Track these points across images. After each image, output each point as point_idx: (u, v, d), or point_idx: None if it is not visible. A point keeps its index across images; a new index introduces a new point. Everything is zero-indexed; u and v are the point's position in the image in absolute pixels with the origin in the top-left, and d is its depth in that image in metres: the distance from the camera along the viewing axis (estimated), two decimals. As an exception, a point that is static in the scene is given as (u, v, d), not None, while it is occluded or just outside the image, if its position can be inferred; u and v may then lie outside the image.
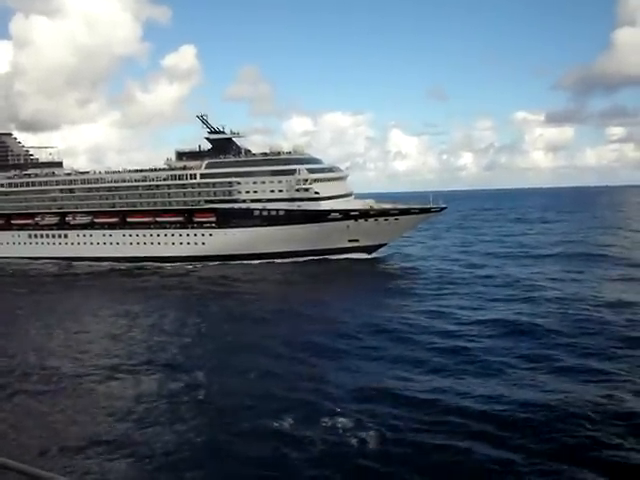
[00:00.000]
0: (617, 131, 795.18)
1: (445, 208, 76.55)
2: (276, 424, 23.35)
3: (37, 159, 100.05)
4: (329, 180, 77.65)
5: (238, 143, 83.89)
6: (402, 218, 74.52)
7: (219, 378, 30.68)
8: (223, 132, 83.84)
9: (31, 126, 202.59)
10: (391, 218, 74.40)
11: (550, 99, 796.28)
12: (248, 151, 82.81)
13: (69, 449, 22.46)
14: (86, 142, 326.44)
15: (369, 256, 76.17)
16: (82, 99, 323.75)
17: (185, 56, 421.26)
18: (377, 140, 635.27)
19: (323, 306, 48.48)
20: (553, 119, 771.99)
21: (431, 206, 75.15)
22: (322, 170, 78.33)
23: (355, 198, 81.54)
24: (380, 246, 77.77)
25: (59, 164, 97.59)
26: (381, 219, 74.38)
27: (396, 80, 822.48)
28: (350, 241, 75.49)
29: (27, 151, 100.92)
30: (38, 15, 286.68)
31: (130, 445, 22.60)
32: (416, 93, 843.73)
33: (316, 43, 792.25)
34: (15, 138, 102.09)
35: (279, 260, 75.13)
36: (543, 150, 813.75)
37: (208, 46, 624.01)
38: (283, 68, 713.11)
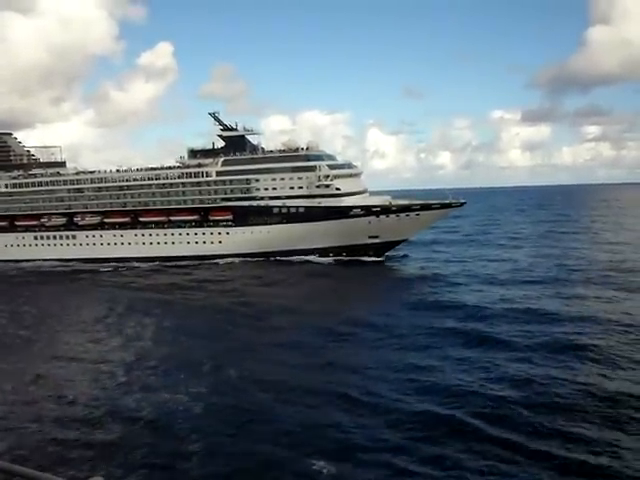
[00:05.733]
0: (592, 130, 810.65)
1: (465, 203, 76.47)
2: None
3: (38, 159, 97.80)
4: (349, 176, 77.26)
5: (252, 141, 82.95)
6: (423, 213, 74.18)
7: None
8: (236, 129, 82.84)
9: (5, 125, 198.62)
10: (412, 214, 74.03)
11: (525, 98, 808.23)
12: (262, 148, 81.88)
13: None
14: (61, 141, 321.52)
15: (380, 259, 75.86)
16: (56, 98, 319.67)
17: (161, 54, 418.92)
18: (355, 139, 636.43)
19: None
20: (529, 118, 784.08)
21: (451, 201, 74.99)
22: (341, 166, 77.91)
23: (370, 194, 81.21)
24: (399, 242, 77.44)
25: (62, 164, 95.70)
26: (402, 215, 73.97)
27: (372, 79, 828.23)
28: (370, 237, 75.01)
29: (28, 151, 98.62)
30: (11, 13, 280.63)
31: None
32: (392, 92, 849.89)
33: (292, 42, 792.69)
34: (15, 138, 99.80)
35: (296, 257, 74.95)
36: (520, 149, 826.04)
37: (184, 45, 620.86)
38: (259, 66, 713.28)
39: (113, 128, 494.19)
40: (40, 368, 33.56)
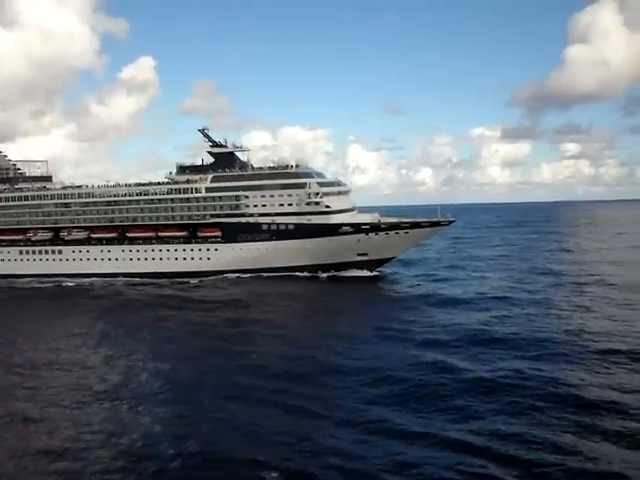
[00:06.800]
0: (571, 147, 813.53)
1: (454, 221, 77.29)
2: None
3: (24, 173, 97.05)
4: (338, 194, 77.65)
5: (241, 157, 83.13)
6: (412, 231, 74.77)
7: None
8: (225, 146, 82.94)
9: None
10: (402, 231, 74.56)
11: (505, 116, 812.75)
12: (252, 165, 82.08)
13: None
14: (41, 154, 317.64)
15: (372, 273, 75.84)
16: (36, 111, 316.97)
17: (143, 68, 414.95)
18: (336, 155, 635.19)
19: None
20: (509, 135, 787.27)
21: (440, 219, 75.65)
22: (331, 184, 78.29)
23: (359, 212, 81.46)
24: (387, 260, 77.82)
25: (49, 178, 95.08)
26: (392, 232, 74.46)
27: (353, 95, 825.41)
28: (359, 255, 75.36)
29: (14, 164, 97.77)
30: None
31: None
32: (373, 108, 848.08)
33: (274, 58, 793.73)
34: (1, 152, 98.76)
35: (285, 274, 75.11)
36: (500, 166, 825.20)
37: (166, 59, 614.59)
38: (241, 82, 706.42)
39: (94, 142, 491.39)
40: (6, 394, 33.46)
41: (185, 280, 75.53)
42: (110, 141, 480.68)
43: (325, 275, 75.05)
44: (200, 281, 74.87)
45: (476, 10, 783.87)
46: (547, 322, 45.08)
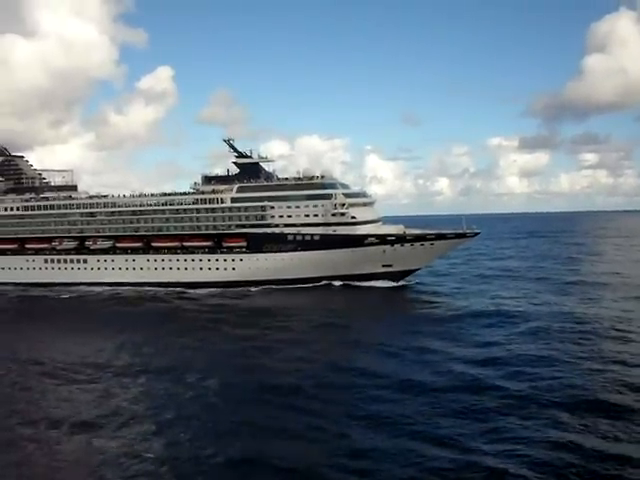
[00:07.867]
0: (589, 157, 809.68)
1: (479, 233, 76.75)
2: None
3: (49, 182, 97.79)
4: (363, 205, 77.55)
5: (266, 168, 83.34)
6: (437, 243, 74.50)
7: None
8: (250, 156, 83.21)
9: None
10: (427, 243, 74.27)
11: (523, 126, 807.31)
12: (277, 175, 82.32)
13: None
14: (59, 163, 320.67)
15: (397, 284, 75.41)
16: (55, 120, 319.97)
17: (161, 78, 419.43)
18: (353, 164, 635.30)
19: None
20: (526, 145, 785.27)
21: (466, 231, 75.25)
22: (357, 195, 78.24)
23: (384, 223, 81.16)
24: (411, 272, 77.41)
25: (74, 187, 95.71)
26: (417, 244, 74.19)
27: (371, 105, 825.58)
28: (384, 266, 75.12)
29: (40, 174, 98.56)
30: (13, 35, 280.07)
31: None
32: (390, 118, 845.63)
33: (291, 67, 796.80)
34: (27, 161, 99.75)
35: (310, 284, 75.07)
36: (517, 175, 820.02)
37: (184, 69, 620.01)
38: (259, 91, 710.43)
39: (112, 151, 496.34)
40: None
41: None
42: (128, 150, 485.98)
43: (340, 283, 74.79)
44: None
45: (493, 20, 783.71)
46: (550, 337, 44.05)
